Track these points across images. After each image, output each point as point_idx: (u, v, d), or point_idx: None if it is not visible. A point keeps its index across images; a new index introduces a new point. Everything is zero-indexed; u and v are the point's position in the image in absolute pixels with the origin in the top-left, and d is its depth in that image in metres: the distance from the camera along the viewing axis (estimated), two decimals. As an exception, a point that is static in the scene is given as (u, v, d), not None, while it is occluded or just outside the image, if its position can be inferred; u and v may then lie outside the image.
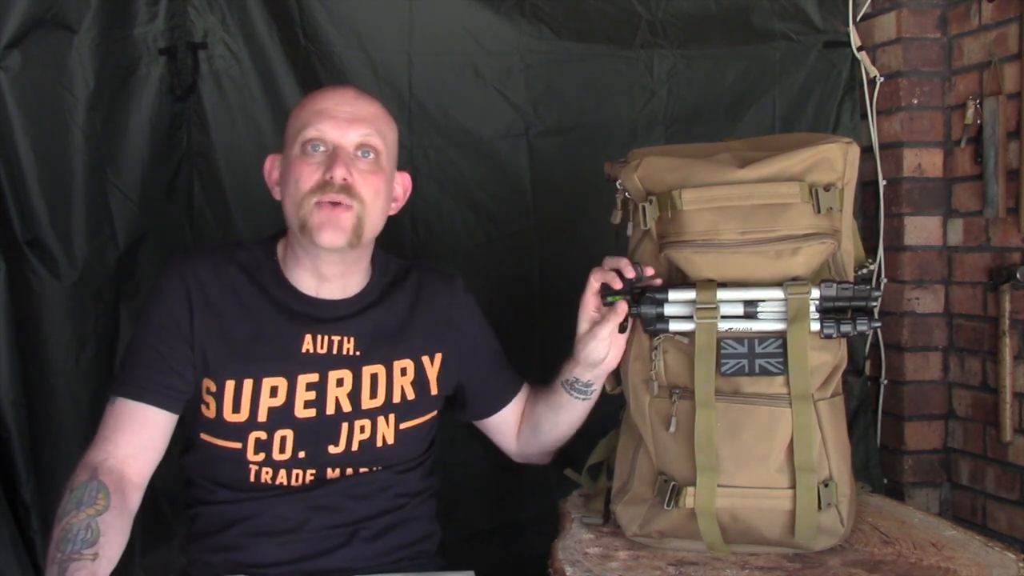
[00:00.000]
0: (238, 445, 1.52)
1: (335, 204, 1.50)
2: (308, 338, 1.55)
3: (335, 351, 1.56)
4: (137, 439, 1.50)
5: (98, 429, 1.52)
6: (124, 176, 2.10)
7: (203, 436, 1.55)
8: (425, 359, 1.63)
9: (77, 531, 1.37)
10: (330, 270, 1.57)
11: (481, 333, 1.72)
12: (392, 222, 2.14)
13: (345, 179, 1.50)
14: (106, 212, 2.08)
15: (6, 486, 2.00)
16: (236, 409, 1.52)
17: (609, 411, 1.69)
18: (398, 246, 2.20)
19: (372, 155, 1.55)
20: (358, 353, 1.57)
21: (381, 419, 1.58)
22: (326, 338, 1.56)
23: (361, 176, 1.52)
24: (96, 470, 1.45)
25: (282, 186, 1.57)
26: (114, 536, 1.40)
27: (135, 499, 1.48)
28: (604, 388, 1.64)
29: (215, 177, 2.17)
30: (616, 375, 1.62)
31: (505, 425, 1.74)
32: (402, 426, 1.59)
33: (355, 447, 1.56)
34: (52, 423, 2.02)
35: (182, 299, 1.54)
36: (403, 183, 1.67)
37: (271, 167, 1.62)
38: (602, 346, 1.55)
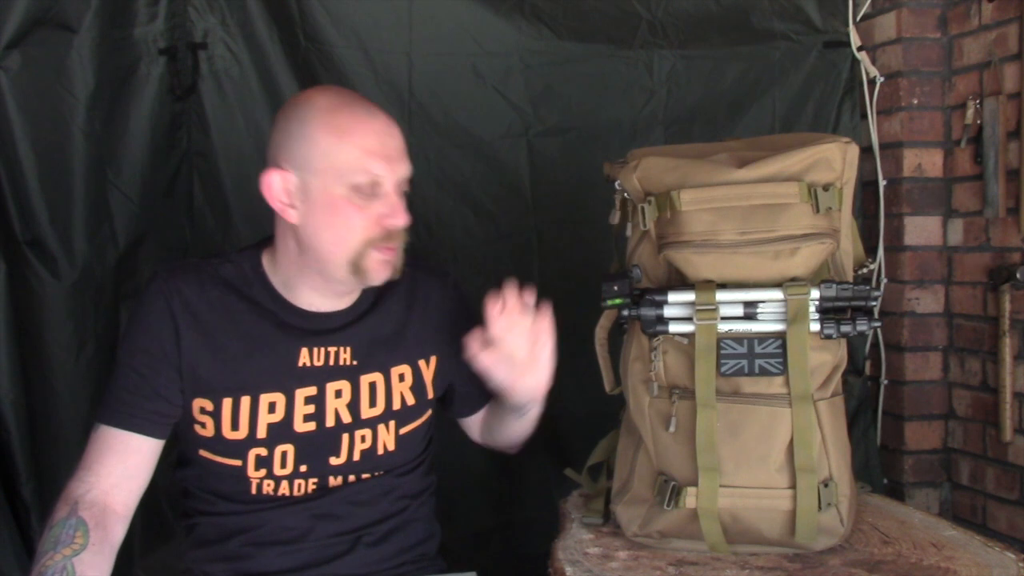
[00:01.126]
0: (238, 462, 1.50)
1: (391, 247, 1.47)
2: (304, 351, 1.52)
3: (332, 362, 1.54)
4: (121, 468, 1.46)
5: (82, 457, 1.48)
6: (124, 176, 2.10)
7: (202, 453, 1.52)
8: (421, 363, 1.62)
9: (52, 573, 1.34)
10: (337, 290, 1.54)
11: (474, 330, 1.71)
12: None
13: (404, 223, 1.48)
14: (106, 212, 2.08)
15: (6, 486, 2.00)
16: (235, 427, 1.49)
17: (609, 411, 1.69)
18: (398, 246, 2.20)
19: (407, 186, 1.52)
20: (355, 363, 1.55)
21: (381, 427, 1.56)
22: (322, 350, 1.53)
23: (404, 210, 1.49)
24: (77, 504, 1.41)
25: (314, 217, 1.46)
26: (92, 575, 1.37)
27: (118, 531, 1.44)
28: (604, 388, 1.64)
29: (215, 177, 2.17)
30: (616, 375, 1.62)
31: (472, 424, 1.75)
32: (402, 431, 1.58)
33: (356, 456, 1.54)
34: (52, 423, 2.02)
35: (166, 320, 1.49)
36: None
37: (282, 186, 1.47)
38: (499, 370, 1.47)
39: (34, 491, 2.01)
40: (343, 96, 1.55)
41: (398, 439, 1.58)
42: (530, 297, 1.45)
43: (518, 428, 1.65)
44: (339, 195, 1.44)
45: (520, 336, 1.45)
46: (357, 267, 1.46)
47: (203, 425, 1.51)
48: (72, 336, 2.03)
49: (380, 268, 1.48)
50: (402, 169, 1.48)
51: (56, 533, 1.38)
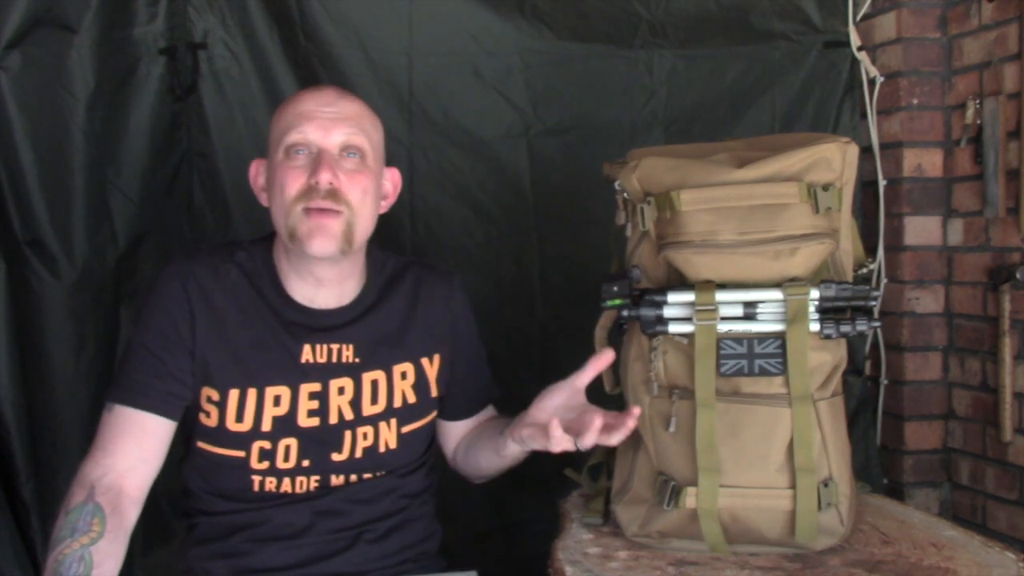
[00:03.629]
0: (241, 454, 1.50)
1: (323, 211, 1.46)
2: (307, 348, 1.53)
3: (334, 359, 1.54)
4: (137, 450, 1.47)
5: (95, 438, 1.48)
6: (124, 176, 2.10)
7: (199, 444, 1.53)
8: (424, 361, 1.62)
9: (70, 563, 1.34)
10: (325, 275, 1.54)
11: (473, 335, 1.72)
12: (392, 221, 2.16)
13: (331, 183, 1.46)
14: (106, 212, 2.08)
15: (6, 486, 2.00)
16: (240, 419, 1.50)
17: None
18: (398, 246, 2.20)
19: (357, 155, 1.51)
20: (357, 360, 1.56)
21: (383, 424, 1.57)
22: (325, 347, 1.54)
23: (347, 177, 1.48)
24: (93, 489, 1.41)
25: (268, 192, 1.54)
26: (108, 564, 1.38)
27: (132, 515, 1.45)
28: (604, 388, 1.64)
29: (215, 177, 2.17)
30: (616, 375, 1.62)
31: (451, 433, 1.73)
32: (404, 430, 1.59)
33: (359, 454, 1.55)
34: (52, 423, 2.02)
35: (183, 304, 1.50)
36: (392, 179, 1.63)
37: (256, 173, 1.58)
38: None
39: (34, 491, 2.01)
40: (317, 86, 1.62)
41: (400, 437, 1.58)
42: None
43: (496, 463, 1.63)
44: (279, 160, 1.50)
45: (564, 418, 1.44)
46: (293, 234, 1.48)
47: (207, 414, 1.51)
48: (72, 336, 2.03)
49: (311, 233, 1.46)
50: (339, 136, 1.50)
51: (73, 520, 1.39)
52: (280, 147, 1.50)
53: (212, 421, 1.51)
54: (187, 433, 1.56)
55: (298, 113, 1.50)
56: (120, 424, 1.48)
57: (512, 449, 1.54)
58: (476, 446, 1.67)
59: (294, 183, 1.47)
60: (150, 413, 1.48)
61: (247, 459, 1.51)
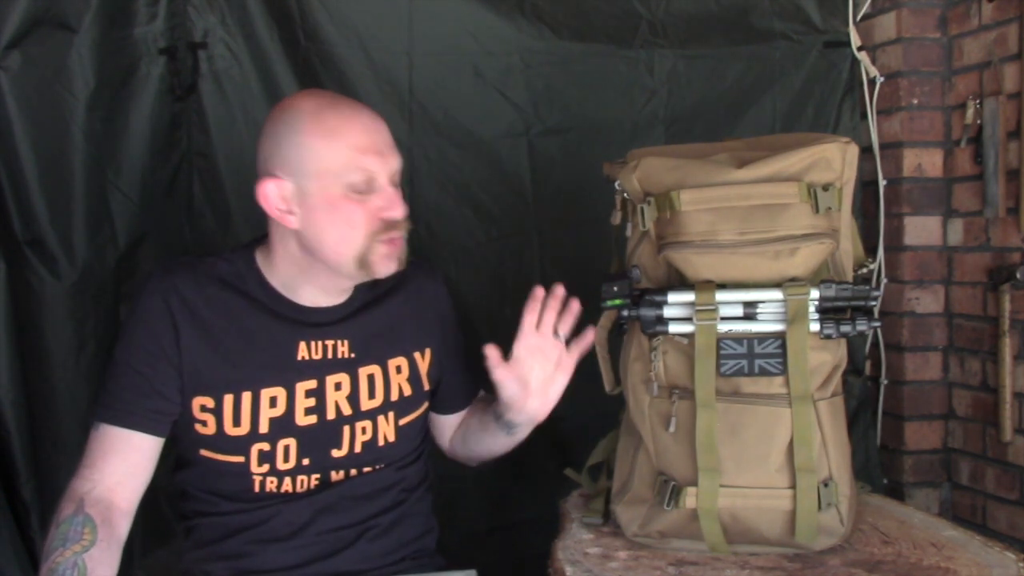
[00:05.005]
0: (240, 459, 1.51)
1: (395, 240, 1.50)
2: (302, 345, 1.53)
3: (330, 355, 1.55)
4: (124, 465, 1.47)
5: (83, 456, 1.48)
6: (124, 176, 2.10)
7: (203, 452, 1.52)
8: (417, 355, 1.64)
9: (63, 570, 1.35)
10: (343, 286, 1.57)
11: (458, 329, 1.73)
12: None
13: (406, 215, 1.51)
14: (106, 212, 2.07)
15: (6, 486, 2.00)
16: (236, 423, 1.50)
17: (609, 411, 1.69)
18: (398, 246, 2.20)
19: (399, 178, 1.54)
20: (353, 355, 1.56)
21: (381, 418, 1.58)
22: (320, 343, 1.54)
23: (402, 202, 1.52)
24: (82, 502, 1.42)
25: (314, 220, 1.47)
26: (102, 570, 1.38)
27: (123, 528, 1.45)
28: (604, 388, 1.64)
29: (215, 177, 2.17)
30: (616, 375, 1.62)
31: (446, 425, 1.74)
32: (401, 422, 1.60)
33: (358, 448, 1.56)
34: (52, 423, 2.02)
35: (165, 319, 1.49)
36: None
37: (278, 194, 1.48)
38: (510, 386, 1.50)
39: (34, 491, 2.01)
40: (327, 97, 1.58)
41: (398, 430, 1.59)
42: (569, 317, 1.50)
43: (500, 444, 1.64)
44: (337, 195, 1.47)
45: (541, 363, 1.50)
46: (364, 262, 1.49)
47: (204, 423, 1.51)
48: (72, 336, 2.03)
49: (385, 261, 1.50)
50: (394, 162, 1.51)
51: (64, 530, 1.39)
52: (339, 181, 1.46)
53: (210, 429, 1.51)
54: (183, 444, 1.55)
55: (357, 146, 1.47)
56: (107, 442, 1.48)
57: (494, 422, 1.57)
58: (471, 428, 1.68)
59: (369, 221, 1.47)
60: (136, 431, 1.48)
61: (247, 464, 1.51)
